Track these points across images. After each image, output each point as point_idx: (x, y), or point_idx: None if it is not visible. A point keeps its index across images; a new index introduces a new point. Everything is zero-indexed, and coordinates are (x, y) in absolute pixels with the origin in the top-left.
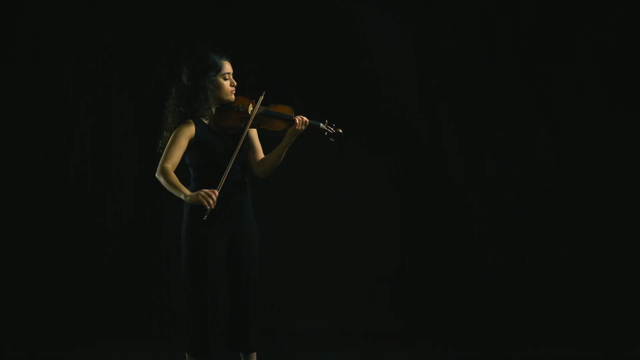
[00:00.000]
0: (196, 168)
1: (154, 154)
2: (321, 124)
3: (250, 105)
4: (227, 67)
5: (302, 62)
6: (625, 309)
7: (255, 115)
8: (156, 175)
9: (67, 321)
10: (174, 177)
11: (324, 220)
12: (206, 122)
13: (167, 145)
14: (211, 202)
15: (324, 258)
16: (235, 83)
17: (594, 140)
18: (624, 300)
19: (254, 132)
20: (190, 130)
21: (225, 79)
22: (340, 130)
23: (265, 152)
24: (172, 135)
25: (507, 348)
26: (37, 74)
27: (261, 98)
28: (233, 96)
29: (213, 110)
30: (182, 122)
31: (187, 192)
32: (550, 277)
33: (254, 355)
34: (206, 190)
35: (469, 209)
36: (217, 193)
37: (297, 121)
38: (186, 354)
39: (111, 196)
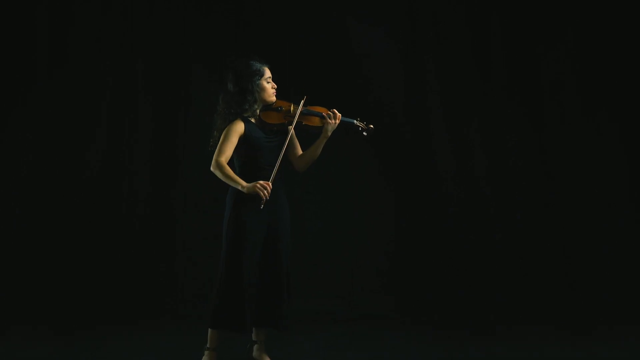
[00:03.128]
0: (242, 162)
1: (166, 149)
2: (355, 121)
3: (292, 105)
4: (268, 72)
5: (302, 68)
6: (579, 279)
7: (299, 112)
8: (212, 169)
9: (87, 303)
10: (229, 170)
11: (326, 212)
12: (253, 121)
13: (220, 142)
14: (266, 192)
15: (326, 249)
16: (276, 86)
17: (553, 138)
18: (577, 272)
19: (292, 131)
20: (240, 128)
21: (267, 82)
22: (372, 126)
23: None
24: (224, 133)
25: (479, 309)
26: (86, 81)
27: (303, 100)
28: (274, 97)
29: (258, 111)
30: (231, 121)
31: (244, 183)
32: (516, 254)
33: (265, 332)
34: (262, 182)
35: (449, 197)
36: (271, 185)
37: (332, 116)
38: (209, 330)
39: (127, 184)
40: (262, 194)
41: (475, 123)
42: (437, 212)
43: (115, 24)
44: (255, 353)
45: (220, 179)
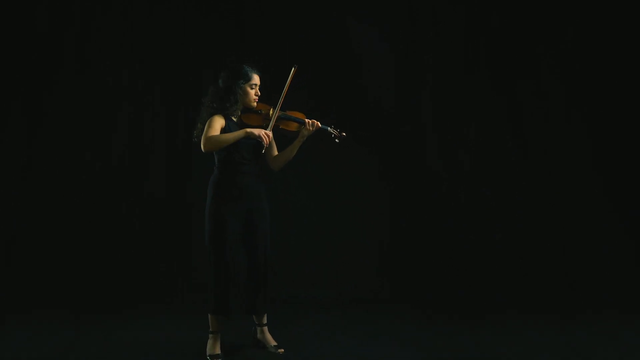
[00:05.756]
0: (222, 156)
1: (166, 150)
2: (329, 128)
3: (271, 109)
4: (255, 79)
5: (304, 69)
6: (578, 278)
7: (276, 117)
8: (204, 147)
9: (104, 287)
10: (220, 134)
11: (322, 204)
12: (234, 119)
13: (205, 129)
14: (268, 139)
15: (322, 236)
16: (260, 93)
17: (554, 138)
18: (576, 272)
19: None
20: (221, 121)
21: (251, 88)
22: (344, 134)
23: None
24: (208, 121)
25: (479, 312)
26: (86, 82)
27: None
28: (255, 103)
29: (239, 112)
30: (214, 114)
31: (246, 129)
32: (516, 253)
33: (265, 316)
34: (264, 130)
35: (448, 197)
36: (271, 135)
37: (307, 123)
38: (209, 316)
39: (145, 176)
40: (265, 139)
41: (476, 123)
42: (437, 212)
43: (115, 24)
44: (259, 335)
45: (218, 149)
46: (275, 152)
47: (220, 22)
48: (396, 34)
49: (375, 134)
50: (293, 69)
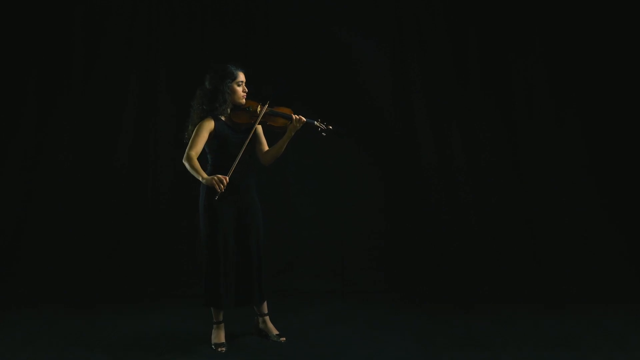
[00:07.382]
0: (213, 155)
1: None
2: (315, 122)
3: (259, 106)
4: (241, 77)
5: (305, 76)
6: (544, 257)
7: (263, 114)
8: (183, 160)
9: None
10: (196, 164)
11: (323, 201)
12: (223, 119)
13: (192, 136)
14: (222, 186)
15: (322, 232)
16: (247, 90)
17: (546, 136)
18: (544, 251)
19: (260, 129)
20: (210, 125)
21: (238, 85)
22: (331, 127)
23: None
24: (196, 128)
25: (460, 285)
26: (94, 85)
27: (268, 102)
28: (244, 100)
29: (228, 110)
30: (204, 118)
31: (205, 175)
32: (489, 233)
33: (265, 306)
34: (219, 176)
35: (430, 185)
36: (227, 179)
37: (295, 118)
38: (211, 309)
39: (152, 177)
40: (217, 186)
41: (455, 122)
42: (432, 207)
43: (141, 37)
44: (261, 325)
45: (187, 170)
46: (265, 148)
47: (227, 30)
48: (385, 45)
49: (371, 132)
50: (266, 105)
